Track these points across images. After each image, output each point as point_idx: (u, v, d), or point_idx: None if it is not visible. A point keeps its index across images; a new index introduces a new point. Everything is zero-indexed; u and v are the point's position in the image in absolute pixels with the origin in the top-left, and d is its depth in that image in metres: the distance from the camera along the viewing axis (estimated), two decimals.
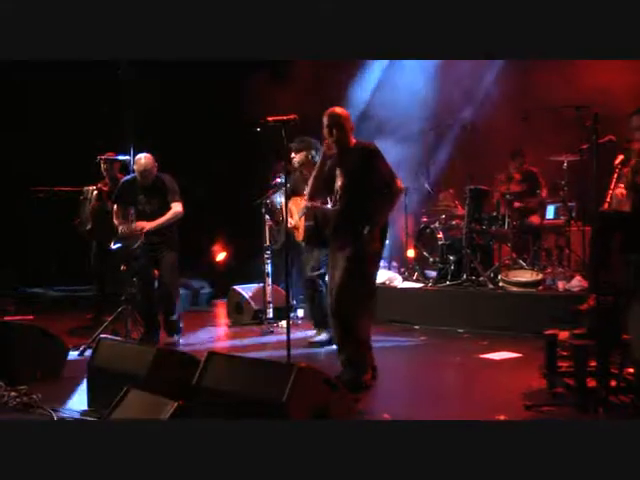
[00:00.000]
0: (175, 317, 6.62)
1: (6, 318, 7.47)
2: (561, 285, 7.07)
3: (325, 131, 4.85)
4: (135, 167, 6.49)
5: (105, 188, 7.64)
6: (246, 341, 7.01)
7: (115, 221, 6.53)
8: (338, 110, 4.90)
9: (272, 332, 7.30)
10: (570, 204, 7.66)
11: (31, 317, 8.19)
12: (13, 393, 4.27)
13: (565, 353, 4.60)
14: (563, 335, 4.51)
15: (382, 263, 7.69)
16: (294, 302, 8.13)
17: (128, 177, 6.66)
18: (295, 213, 6.60)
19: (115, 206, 6.60)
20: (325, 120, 4.84)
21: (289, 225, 6.57)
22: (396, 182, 4.83)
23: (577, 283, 6.92)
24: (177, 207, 6.52)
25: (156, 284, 6.55)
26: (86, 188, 7.85)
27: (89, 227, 7.79)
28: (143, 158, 6.45)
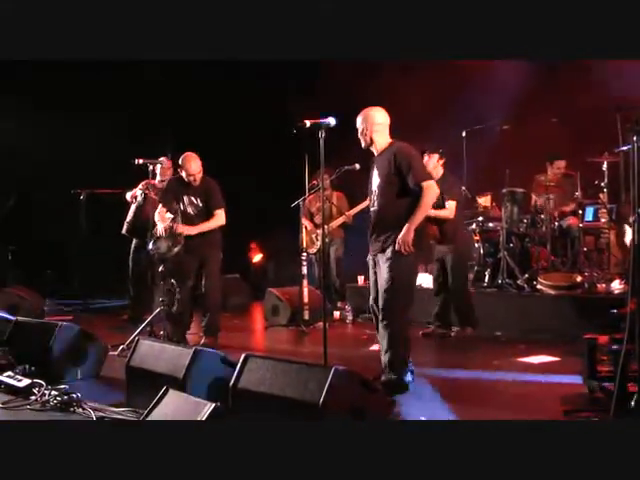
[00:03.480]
0: (215, 318, 6.65)
1: (46, 318, 7.60)
2: (600, 288, 6.97)
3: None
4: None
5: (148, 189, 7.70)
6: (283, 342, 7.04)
7: (157, 218, 6.47)
8: (369, 108, 4.90)
9: (308, 334, 7.31)
10: (610, 206, 7.54)
11: (71, 317, 8.31)
12: (54, 392, 4.34)
13: (605, 358, 4.53)
14: (603, 339, 4.44)
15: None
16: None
17: (175, 176, 6.67)
18: None
19: (160, 204, 6.59)
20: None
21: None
22: (429, 183, 4.72)
23: (617, 286, 6.82)
24: (220, 216, 6.55)
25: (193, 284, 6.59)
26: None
27: (128, 224, 7.88)
28: (183, 157, 6.50)
